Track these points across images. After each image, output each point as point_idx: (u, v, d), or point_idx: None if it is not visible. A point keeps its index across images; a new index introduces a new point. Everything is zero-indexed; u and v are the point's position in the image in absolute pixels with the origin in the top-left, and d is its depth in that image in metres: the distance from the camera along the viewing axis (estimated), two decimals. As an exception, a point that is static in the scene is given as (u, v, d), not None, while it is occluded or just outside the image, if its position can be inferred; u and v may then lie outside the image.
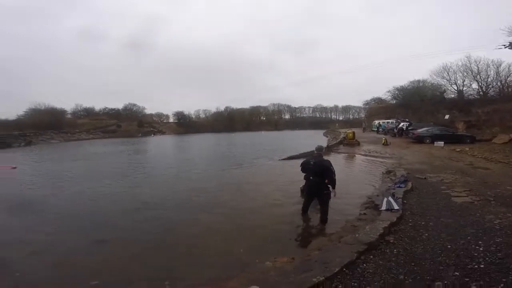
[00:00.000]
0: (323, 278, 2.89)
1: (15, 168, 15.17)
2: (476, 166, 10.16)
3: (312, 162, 5.26)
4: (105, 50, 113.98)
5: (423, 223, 4.56)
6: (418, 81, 36.37)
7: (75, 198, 7.91)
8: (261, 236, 4.87)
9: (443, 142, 16.88)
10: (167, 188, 8.96)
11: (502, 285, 2.75)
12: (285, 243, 4.58)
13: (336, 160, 12.31)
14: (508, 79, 26.06)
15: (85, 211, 6.65)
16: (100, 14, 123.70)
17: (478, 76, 27.61)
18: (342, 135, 23.57)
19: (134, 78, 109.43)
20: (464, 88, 29.42)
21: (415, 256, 3.45)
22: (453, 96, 30.40)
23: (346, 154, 15.70)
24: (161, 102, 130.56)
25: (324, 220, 5.20)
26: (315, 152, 5.58)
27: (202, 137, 45.00)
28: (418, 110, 30.79)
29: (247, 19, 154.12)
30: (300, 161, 5.84)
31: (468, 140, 17.20)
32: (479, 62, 27.18)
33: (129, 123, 58.87)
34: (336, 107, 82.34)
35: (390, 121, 30.98)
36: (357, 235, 3.83)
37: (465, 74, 28.78)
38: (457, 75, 29.54)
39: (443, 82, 31.21)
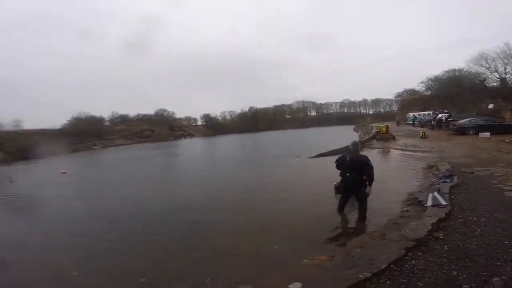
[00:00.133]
0: (370, 274, 2.84)
1: (65, 173, 16.72)
2: (531, 157, 9.21)
3: (348, 158, 5.10)
4: (132, 60, 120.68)
5: (474, 219, 4.26)
6: (454, 70, 34.38)
7: (119, 202, 8.34)
8: (295, 235, 4.85)
9: (489, 133, 15.48)
10: (201, 189, 9.24)
11: None
12: (321, 241, 4.53)
13: (370, 156, 11.61)
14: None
15: (127, 214, 6.97)
16: (121, 25, 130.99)
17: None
18: (374, 130, 22.67)
19: (161, 84, 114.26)
20: (508, 76, 27.24)
21: (468, 252, 3.26)
22: (495, 84, 28.30)
23: (381, 149, 15.07)
24: (188, 106, 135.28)
25: (362, 218, 5.06)
26: (351, 147, 5.43)
27: (229, 138, 45.88)
28: (457, 100, 28.96)
29: (267, 16, 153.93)
30: (331, 158, 5.75)
31: (518, 130, 15.61)
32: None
33: (161, 128, 61.74)
34: (365, 100, 79.30)
35: (426, 112, 29.27)
36: (402, 232, 3.70)
37: (506, 61, 26.82)
38: (497, 63, 27.57)
39: (481, 70, 29.23)
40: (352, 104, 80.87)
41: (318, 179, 8.90)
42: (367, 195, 4.99)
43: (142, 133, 58.66)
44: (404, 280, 2.81)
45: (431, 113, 27.81)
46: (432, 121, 23.90)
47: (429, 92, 38.79)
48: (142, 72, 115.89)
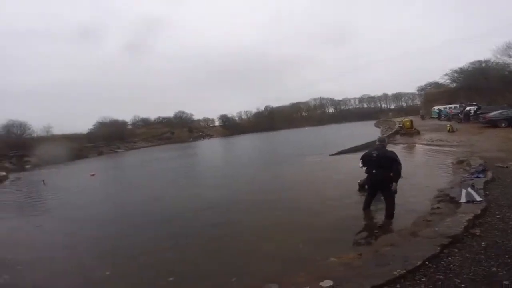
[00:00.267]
0: (404, 271, 2.80)
1: (94, 175, 17.62)
2: None
3: (375, 154, 4.98)
4: (150, 64, 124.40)
5: (513, 215, 4.05)
6: (480, 61, 32.88)
7: (144, 204, 8.58)
8: (319, 234, 4.77)
9: None
10: (221, 190, 9.28)
11: None
12: (347, 240, 4.45)
13: (395, 151, 11.50)
14: None
15: (153, 215, 7.15)
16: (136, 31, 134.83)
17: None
18: (397, 125, 21.96)
19: (179, 87, 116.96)
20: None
21: (508, 248, 3.11)
22: None
23: (405, 145, 14.57)
24: (205, 107, 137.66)
25: (390, 215, 4.92)
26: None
27: (246, 138, 46.17)
28: (485, 92, 27.59)
29: (281, 12, 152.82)
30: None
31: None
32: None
33: (180, 130, 63.37)
34: (385, 95, 77.00)
35: (453, 106, 28.02)
36: (436, 229, 3.60)
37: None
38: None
39: (510, 61, 27.79)
40: (371, 99, 78.81)
41: (340, 177, 8.73)
42: (395, 192, 4.87)
43: (162, 135, 60.56)
44: (440, 277, 2.75)
45: (458, 106, 26.68)
46: (460, 114, 22.87)
47: (455, 85, 37.16)
48: (159, 75, 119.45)
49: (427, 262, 2.96)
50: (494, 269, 2.77)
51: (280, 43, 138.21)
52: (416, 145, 14.03)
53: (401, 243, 3.66)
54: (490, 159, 8.08)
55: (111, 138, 49.97)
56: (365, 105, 78.74)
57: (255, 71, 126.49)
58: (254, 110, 75.88)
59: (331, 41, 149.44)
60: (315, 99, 79.64)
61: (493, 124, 16.15)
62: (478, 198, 4.51)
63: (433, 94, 41.80)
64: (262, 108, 74.99)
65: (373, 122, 42.87)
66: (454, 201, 4.79)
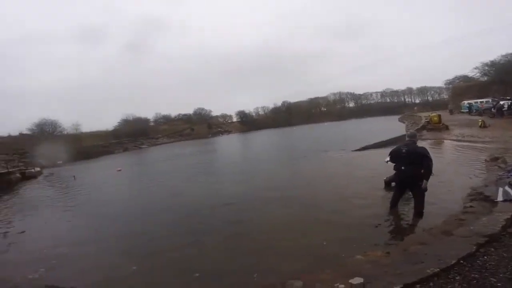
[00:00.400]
0: (438, 269, 2.76)
1: (120, 170, 18.49)
2: None
3: (404, 150, 4.84)
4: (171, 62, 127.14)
5: (555, 215, 3.83)
6: None
7: (169, 200, 8.73)
8: (344, 231, 4.69)
9: None
10: (242, 186, 9.31)
11: None
12: (373, 238, 4.35)
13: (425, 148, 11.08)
14: None
15: (177, 212, 7.20)
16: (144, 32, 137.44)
17: None
18: (423, 120, 21.09)
19: (198, 84, 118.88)
20: None
21: (547, 248, 2.98)
22: None
23: (433, 140, 13.95)
24: (223, 103, 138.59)
25: (419, 213, 4.78)
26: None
27: (264, 134, 46.18)
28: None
29: (299, 6, 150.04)
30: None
31: None
32: None
33: (200, 126, 64.66)
34: (410, 89, 73.76)
35: (484, 100, 26.48)
36: (471, 228, 3.50)
37: None
38: None
39: None
40: (394, 93, 75.93)
41: (364, 173, 8.57)
42: (425, 189, 4.73)
43: (183, 132, 62.11)
44: (475, 275, 2.69)
45: (490, 100, 25.16)
46: (492, 109, 21.63)
47: (486, 78, 35.10)
48: (181, 73, 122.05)
49: (461, 261, 2.90)
50: (533, 268, 2.67)
51: (299, 37, 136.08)
52: (445, 140, 13.41)
53: (432, 242, 3.58)
54: (528, 156, 7.60)
55: (135, 134, 51.92)
56: (388, 100, 75.99)
57: (273, 67, 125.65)
58: (271, 106, 75.76)
59: (351, 35, 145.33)
60: (334, 94, 78.14)
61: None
62: (517, 197, 4.30)
63: (462, 88, 39.73)
64: (279, 103, 74.70)
65: (397, 117, 41.42)
66: (489, 200, 4.61)
